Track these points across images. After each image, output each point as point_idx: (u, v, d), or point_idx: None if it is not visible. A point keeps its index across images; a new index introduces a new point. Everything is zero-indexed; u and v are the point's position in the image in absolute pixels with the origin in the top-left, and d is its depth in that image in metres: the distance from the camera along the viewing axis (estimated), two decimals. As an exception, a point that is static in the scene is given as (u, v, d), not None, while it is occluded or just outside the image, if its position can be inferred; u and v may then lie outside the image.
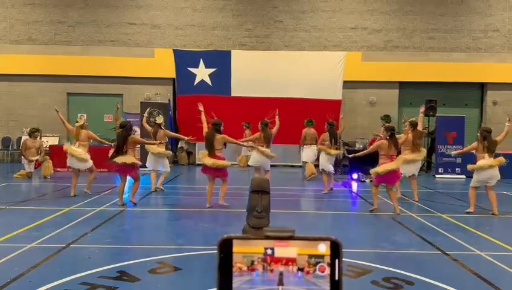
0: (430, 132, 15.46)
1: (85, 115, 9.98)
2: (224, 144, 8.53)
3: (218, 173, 8.35)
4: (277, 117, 10.30)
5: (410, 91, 17.58)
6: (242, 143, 9.60)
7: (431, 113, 15.21)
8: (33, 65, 16.86)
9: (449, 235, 6.66)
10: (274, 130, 10.04)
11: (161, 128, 10.34)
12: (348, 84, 16.40)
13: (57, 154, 14.21)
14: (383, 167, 8.02)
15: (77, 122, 9.78)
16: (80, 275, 4.61)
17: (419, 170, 15.41)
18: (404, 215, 8.22)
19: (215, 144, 8.22)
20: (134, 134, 8.87)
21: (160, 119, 10.50)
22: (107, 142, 10.44)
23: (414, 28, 17.38)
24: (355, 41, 17.36)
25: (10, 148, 17.04)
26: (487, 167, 8.29)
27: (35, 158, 12.67)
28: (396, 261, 5.41)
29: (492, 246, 6.18)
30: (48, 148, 14.32)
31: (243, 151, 15.35)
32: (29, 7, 17.26)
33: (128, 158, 8.33)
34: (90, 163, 9.67)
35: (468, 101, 17.82)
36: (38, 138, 13.11)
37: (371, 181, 12.94)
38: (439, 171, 14.55)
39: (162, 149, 10.21)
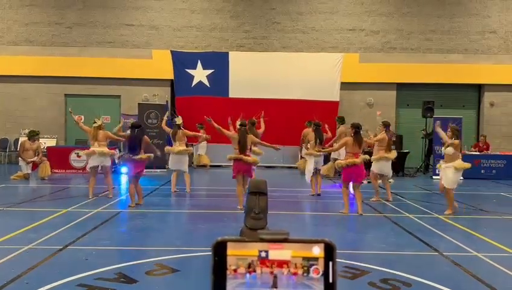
0: (428, 133, 15.50)
1: (100, 118, 10.15)
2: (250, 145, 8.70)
3: (247, 169, 8.43)
4: (262, 120, 10.30)
5: (407, 92, 17.62)
6: (266, 144, 9.48)
7: (428, 114, 15.25)
8: (31, 66, 16.83)
9: (446, 236, 6.68)
10: (259, 131, 10.14)
11: (180, 129, 10.42)
12: (345, 86, 16.42)
13: (54, 156, 14.21)
14: (348, 160, 8.18)
15: (95, 122, 9.83)
16: (77, 276, 4.60)
17: (417, 171, 15.46)
18: (402, 216, 8.24)
19: (248, 144, 8.44)
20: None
21: (179, 120, 10.59)
22: (123, 138, 10.39)
23: (411, 29, 17.42)
24: (352, 43, 17.39)
25: (7, 150, 17.00)
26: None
27: (32, 160, 12.65)
28: (394, 262, 5.42)
29: (488, 247, 6.20)
30: (45, 150, 14.30)
31: (197, 150, 15.49)
32: (27, 8, 17.24)
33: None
34: (109, 161, 9.81)
35: (465, 103, 17.87)
36: (36, 140, 13.10)
37: (368, 182, 12.98)
38: (437, 172, 14.54)
39: (183, 147, 10.37)
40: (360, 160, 8.13)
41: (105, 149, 9.64)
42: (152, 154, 8.91)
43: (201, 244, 5.84)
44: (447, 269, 5.25)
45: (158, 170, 14.45)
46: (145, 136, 8.97)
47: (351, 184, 8.48)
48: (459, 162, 8.28)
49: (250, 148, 8.65)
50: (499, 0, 17.35)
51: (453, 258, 5.57)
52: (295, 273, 0.71)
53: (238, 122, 9.91)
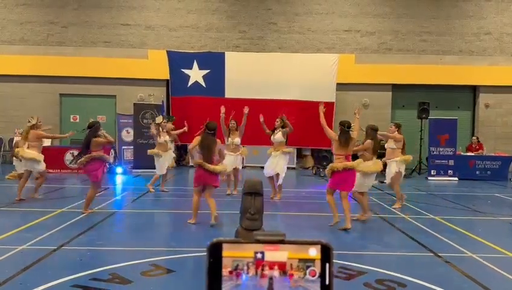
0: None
1: (36, 116, 9.50)
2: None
3: (211, 178, 7.33)
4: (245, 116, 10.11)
5: (403, 94, 17.67)
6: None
7: (424, 115, 15.30)
8: (25, 66, 16.75)
9: (441, 237, 6.69)
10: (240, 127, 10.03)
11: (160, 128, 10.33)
12: (341, 87, 16.44)
13: (49, 156, 14.12)
14: (341, 164, 7.09)
15: (29, 122, 9.21)
16: (71, 277, 4.58)
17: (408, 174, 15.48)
18: (397, 217, 8.25)
19: (214, 150, 7.41)
20: (101, 136, 8.08)
21: (159, 119, 10.47)
22: (61, 136, 11.36)
23: (407, 30, 17.47)
24: (348, 44, 17.42)
25: (2, 150, 16.92)
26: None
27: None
28: (389, 263, 5.42)
29: (483, 248, 6.21)
30: (40, 150, 14.22)
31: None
32: (22, 7, 17.16)
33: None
34: (43, 165, 9.15)
35: (460, 104, 17.94)
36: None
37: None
38: (432, 173, 14.61)
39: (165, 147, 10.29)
40: (354, 164, 7.18)
41: (32, 153, 8.96)
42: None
43: (197, 245, 5.82)
44: (442, 269, 5.26)
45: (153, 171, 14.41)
46: (97, 139, 7.98)
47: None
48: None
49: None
50: (494, 2, 17.43)
51: (448, 259, 5.58)
52: (291, 275, 0.70)
53: (230, 121, 9.93)
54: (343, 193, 7.21)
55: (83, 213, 7.78)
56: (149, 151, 10.47)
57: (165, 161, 10.31)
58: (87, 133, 7.98)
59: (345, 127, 7.20)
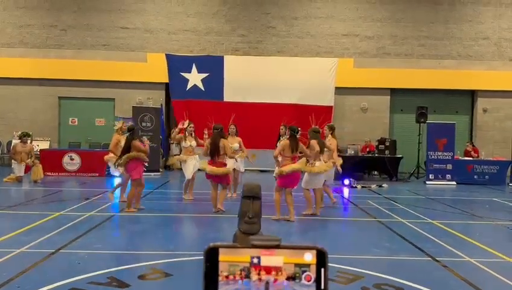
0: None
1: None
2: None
3: (221, 178, 8.32)
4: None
5: (401, 98, 17.71)
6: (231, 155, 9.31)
7: (422, 119, 15.34)
8: (25, 68, 16.77)
9: (439, 242, 6.70)
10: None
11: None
12: (339, 91, 16.49)
13: (48, 159, 14.13)
14: (289, 166, 7.60)
15: (114, 126, 9.63)
16: (69, 280, 4.57)
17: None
18: (395, 221, 8.26)
19: (219, 146, 8.21)
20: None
21: (186, 124, 10.40)
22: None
23: (405, 35, 17.53)
24: (347, 48, 17.46)
25: (0, 152, 16.90)
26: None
27: (24, 163, 12.55)
28: (387, 267, 5.43)
29: (481, 252, 6.22)
30: (38, 153, 14.22)
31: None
32: (22, 10, 17.18)
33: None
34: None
35: (458, 108, 17.99)
36: (28, 142, 13.02)
37: (362, 187, 13.00)
38: (430, 177, 14.64)
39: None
40: (299, 165, 7.69)
41: (111, 155, 9.39)
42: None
43: (195, 249, 5.82)
44: (440, 274, 5.26)
45: (152, 174, 14.41)
46: (135, 141, 8.31)
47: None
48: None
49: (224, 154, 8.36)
50: (492, 7, 17.51)
51: (445, 264, 5.59)
52: (287, 280, 0.71)
53: (230, 126, 9.92)
54: (287, 190, 7.74)
55: (127, 211, 8.14)
56: (175, 158, 10.51)
57: (190, 165, 10.03)
58: (127, 137, 8.27)
59: (294, 132, 7.73)
